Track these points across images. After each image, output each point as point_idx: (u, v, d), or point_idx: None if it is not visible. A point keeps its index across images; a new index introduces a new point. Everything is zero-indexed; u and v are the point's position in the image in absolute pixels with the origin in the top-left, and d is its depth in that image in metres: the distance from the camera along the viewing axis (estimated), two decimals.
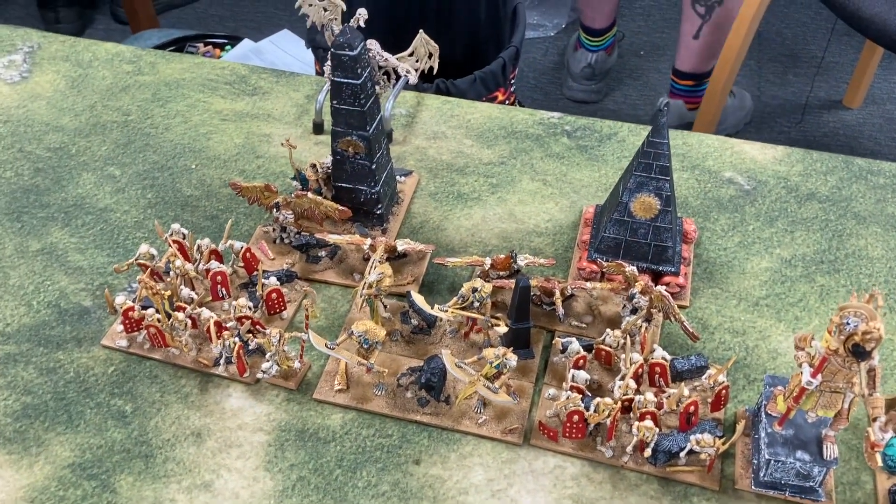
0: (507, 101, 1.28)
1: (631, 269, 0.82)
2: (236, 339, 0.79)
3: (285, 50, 1.75)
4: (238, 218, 0.96)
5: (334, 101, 0.84)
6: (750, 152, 1.03)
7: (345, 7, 0.83)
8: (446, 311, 0.79)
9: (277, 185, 0.90)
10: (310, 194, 0.88)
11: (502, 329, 0.79)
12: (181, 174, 1.01)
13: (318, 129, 1.04)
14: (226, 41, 1.81)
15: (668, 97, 2.26)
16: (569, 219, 0.96)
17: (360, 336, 0.76)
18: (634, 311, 0.83)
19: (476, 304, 0.80)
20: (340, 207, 0.89)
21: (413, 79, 0.82)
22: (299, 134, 1.06)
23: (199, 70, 1.15)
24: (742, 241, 0.93)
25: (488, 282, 0.83)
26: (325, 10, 0.82)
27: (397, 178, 0.98)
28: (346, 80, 0.82)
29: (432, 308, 0.79)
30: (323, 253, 0.90)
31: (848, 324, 0.58)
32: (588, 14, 2.30)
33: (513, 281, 0.83)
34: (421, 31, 0.85)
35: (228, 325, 0.81)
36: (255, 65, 1.15)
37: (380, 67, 0.85)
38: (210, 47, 1.80)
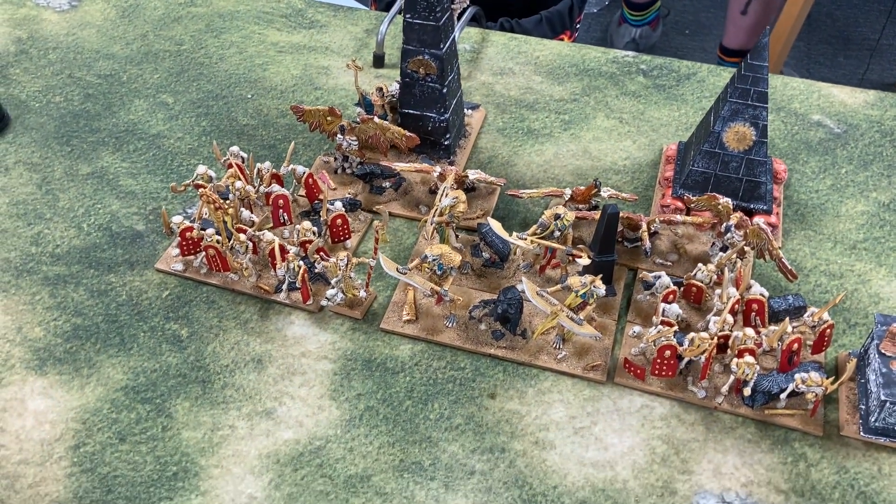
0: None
1: (725, 200, 0.76)
2: (301, 262, 0.74)
3: None
4: (297, 148, 0.91)
5: (407, 15, 0.79)
6: (839, 96, 0.96)
7: None
8: (525, 239, 0.74)
9: (341, 110, 0.85)
10: (376, 119, 0.83)
11: (584, 261, 0.74)
12: (237, 103, 0.96)
13: (378, 61, 0.99)
14: None
15: None
16: (648, 157, 0.90)
17: (434, 260, 0.70)
18: (724, 248, 0.77)
19: (557, 234, 0.74)
20: (408, 133, 0.83)
21: None
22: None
23: (254, 3, 1.10)
24: (835, 184, 0.87)
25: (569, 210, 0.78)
26: None
27: (465, 110, 0.93)
28: None
29: (510, 235, 0.74)
30: (387, 184, 0.85)
31: None
32: None
33: (596, 213, 0.78)
34: None
35: (291, 250, 0.76)
36: None
37: None
38: None
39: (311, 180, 0.82)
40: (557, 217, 0.73)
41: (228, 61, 1.02)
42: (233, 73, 1.00)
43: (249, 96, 0.97)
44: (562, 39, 1.18)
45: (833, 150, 0.90)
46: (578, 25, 1.20)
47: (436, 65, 0.81)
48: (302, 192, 0.83)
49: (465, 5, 0.84)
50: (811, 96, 0.96)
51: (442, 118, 0.85)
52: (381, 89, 0.86)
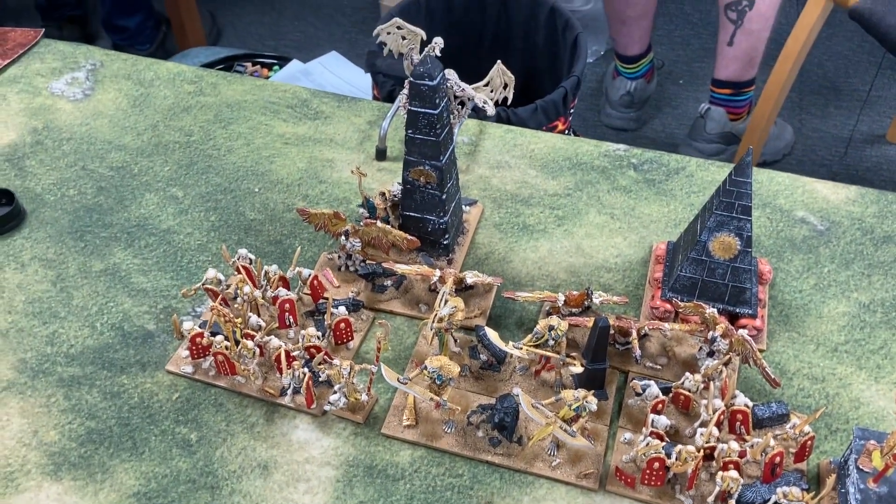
0: (566, 130, 1.27)
1: (711, 310, 0.79)
2: (305, 369, 0.77)
3: (333, 72, 1.75)
4: (302, 244, 0.95)
5: (409, 131, 0.83)
6: (822, 191, 1.00)
7: (425, 36, 0.82)
8: (521, 348, 0.77)
9: (345, 213, 0.89)
10: (378, 223, 0.87)
11: (577, 369, 0.77)
12: (244, 197, 1.00)
13: (381, 155, 1.03)
14: (274, 61, 1.82)
15: (708, 104, 2.23)
16: (638, 255, 0.94)
17: (433, 372, 0.74)
18: (711, 353, 0.81)
19: (551, 343, 0.78)
20: (409, 237, 0.87)
21: (490, 110, 0.81)
22: (362, 160, 1.05)
23: (261, 92, 1.15)
24: (818, 283, 0.91)
25: (562, 319, 0.81)
26: (404, 38, 0.81)
27: (463, 207, 0.97)
28: (423, 110, 0.81)
29: (506, 344, 0.77)
30: (388, 282, 0.89)
31: None
32: (621, 42, 2.29)
33: (589, 319, 0.81)
34: (499, 61, 0.84)
35: (295, 354, 0.80)
36: (315, 89, 1.15)
37: (455, 97, 0.84)
38: (258, 67, 1.81)
39: (315, 282, 0.86)
40: (551, 328, 0.77)
41: (236, 153, 1.06)
42: (240, 165, 1.04)
43: (257, 190, 1.01)
44: (555, 125, 1.22)
45: (816, 248, 0.94)
46: (572, 110, 1.24)
47: (435, 174, 0.85)
48: (307, 290, 0.86)
49: (466, 116, 0.88)
50: (796, 191, 1.01)
51: (441, 221, 0.89)
52: (383, 194, 0.90)
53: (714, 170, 1.03)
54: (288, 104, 1.13)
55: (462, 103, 0.87)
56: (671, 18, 2.81)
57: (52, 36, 2.83)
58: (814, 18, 1.88)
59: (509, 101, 0.87)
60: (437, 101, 0.80)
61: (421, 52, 0.82)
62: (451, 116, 0.86)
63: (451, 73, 0.82)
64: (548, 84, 1.28)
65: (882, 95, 2.55)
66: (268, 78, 1.77)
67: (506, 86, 0.85)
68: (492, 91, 0.85)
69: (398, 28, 0.81)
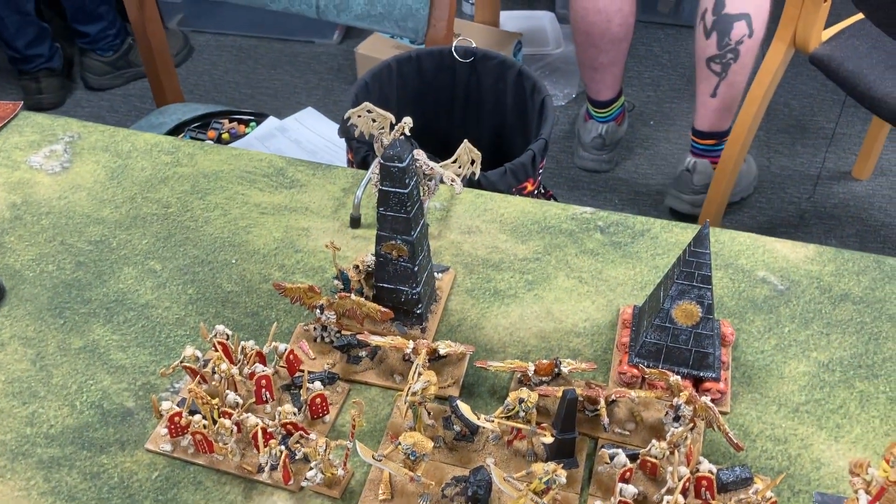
0: (535, 190, 1.30)
1: (675, 378, 0.82)
2: (282, 447, 0.79)
3: (310, 128, 1.78)
4: (278, 315, 0.97)
5: (381, 209, 0.86)
6: (781, 250, 1.04)
7: (394, 119, 0.85)
8: (493, 421, 0.79)
9: (320, 287, 0.91)
10: (352, 296, 0.89)
11: (547, 439, 0.80)
12: (221, 269, 1.02)
13: (355, 223, 1.06)
14: (251, 118, 1.85)
15: (692, 157, 2.27)
16: (606, 318, 0.97)
17: (407, 449, 0.76)
18: (677, 418, 0.83)
19: (522, 414, 0.80)
20: (383, 309, 0.90)
21: (458, 188, 0.84)
22: (336, 228, 1.08)
23: (237, 161, 1.17)
24: (779, 343, 0.94)
25: (531, 388, 0.84)
26: (374, 121, 0.85)
27: (435, 274, 0.99)
28: (394, 190, 0.84)
29: (478, 417, 0.80)
30: (363, 353, 0.91)
31: None
32: (593, 88, 2.35)
33: (558, 389, 0.84)
34: (465, 141, 0.87)
35: (272, 430, 0.81)
36: (291, 157, 1.18)
37: (424, 175, 0.87)
38: (235, 124, 1.84)
39: (291, 356, 0.88)
40: (521, 400, 0.79)
41: (213, 224, 1.08)
42: (217, 236, 1.07)
43: (233, 261, 1.03)
44: (524, 187, 1.26)
45: (777, 307, 0.98)
46: (541, 171, 1.28)
47: (407, 248, 0.88)
48: (283, 364, 0.88)
49: (435, 191, 0.91)
50: (756, 251, 1.04)
51: (414, 291, 0.91)
52: (357, 266, 0.93)
53: (678, 231, 1.07)
54: (264, 173, 1.16)
55: (431, 179, 0.90)
56: (641, 60, 2.89)
57: (30, 89, 2.85)
58: (776, 63, 1.95)
59: (476, 176, 0.90)
60: (407, 180, 0.84)
61: (391, 133, 0.85)
62: (422, 191, 0.89)
63: (419, 154, 0.85)
64: (518, 143, 1.32)
65: (847, 133, 2.63)
66: (244, 134, 1.80)
67: (473, 161, 0.89)
68: (460, 167, 0.89)
69: (368, 111, 0.84)
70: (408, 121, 0.86)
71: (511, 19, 2.91)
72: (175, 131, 1.83)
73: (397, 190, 0.84)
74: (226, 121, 1.87)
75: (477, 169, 0.89)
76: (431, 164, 0.85)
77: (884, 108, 1.83)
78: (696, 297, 0.85)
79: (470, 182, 1.26)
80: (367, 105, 0.85)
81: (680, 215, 2.29)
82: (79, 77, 2.86)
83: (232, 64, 2.98)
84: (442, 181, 0.85)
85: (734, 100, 2.08)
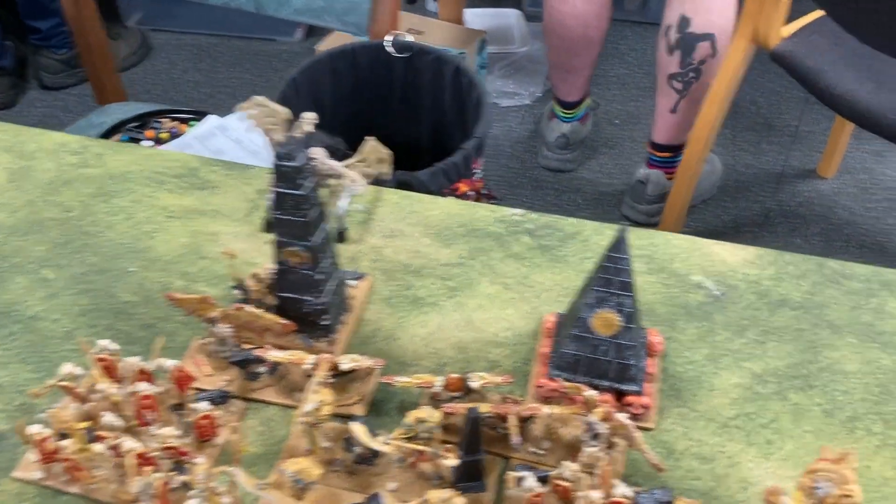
0: (471, 191, 1.24)
1: (590, 393, 0.76)
2: (159, 475, 0.72)
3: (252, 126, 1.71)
4: (176, 328, 0.90)
5: (277, 212, 0.79)
6: (720, 254, 0.98)
7: (290, 115, 0.79)
8: (389, 444, 0.73)
9: (215, 298, 0.85)
10: (247, 308, 0.83)
11: (451, 462, 0.73)
12: (119, 277, 0.95)
13: (270, 226, 0.99)
14: (191, 116, 1.78)
15: (647, 167, 2.25)
16: (529, 327, 0.91)
17: (292, 476, 0.69)
18: (595, 435, 0.77)
19: (424, 435, 0.74)
20: (283, 321, 0.83)
21: (360, 189, 0.78)
22: (248, 232, 1.01)
23: (148, 162, 1.10)
24: (711, 353, 0.88)
25: (438, 407, 0.78)
26: (268, 116, 0.78)
27: (349, 282, 0.93)
28: (288, 191, 0.77)
29: (373, 440, 0.73)
30: (263, 369, 0.84)
31: (819, 488, 0.53)
32: (562, 89, 2.31)
33: (464, 406, 0.77)
34: (370, 138, 0.81)
35: (154, 455, 0.74)
36: (210, 156, 1.11)
37: (326, 175, 0.81)
38: (176, 123, 1.77)
39: (179, 373, 0.81)
40: (421, 420, 0.73)
41: (116, 229, 1.01)
42: (119, 242, 1.00)
43: (133, 269, 0.96)
44: (457, 188, 1.20)
45: (711, 314, 0.92)
46: (479, 171, 1.22)
47: (308, 255, 0.81)
48: (171, 384, 0.81)
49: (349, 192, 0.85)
50: (693, 255, 0.98)
51: (318, 302, 0.85)
52: (255, 275, 0.86)
53: (609, 234, 1.00)
54: (175, 174, 1.09)
55: (334, 178, 0.83)
56: (607, 58, 2.83)
57: None
58: (738, 60, 1.90)
59: (387, 177, 0.84)
60: (301, 181, 0.77)
61: (286, 129, 0.79)
62: (329, 192, 0.82)
63: (318, 152, 0.79)
64: (458, 142, 1.26)
65: (812, 130, 2.59)
66: (184, 133, 1.73)
67: (381, 160, 0.82)
68: (367, 166, 0.82)
69: (262, 106, 0.78)
70: (310, 116, 0.79)
71: (476, 17, 2.85)
72: (114, 131, 1.75)
73: (291, 192, 0.77)
74: (167, 120, 1.79)
75: (387, 168, 0.83)
76: (331, 163, 0.79)
77: (843, 105, 1.79)
78: (615, 305, 0.78)
79: (399, 183, 1.20)
80: (259, 99, 0.78)
81: (637, 224, 2.25)
82: (32, 76, 2.78)
83: (191, 63, 2.90)
84: (341, 180, 0.79)
85: (693, 114, 2.04)
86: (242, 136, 1.75)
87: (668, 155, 2.17)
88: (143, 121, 1.78)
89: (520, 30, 2.84)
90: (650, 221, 2.23)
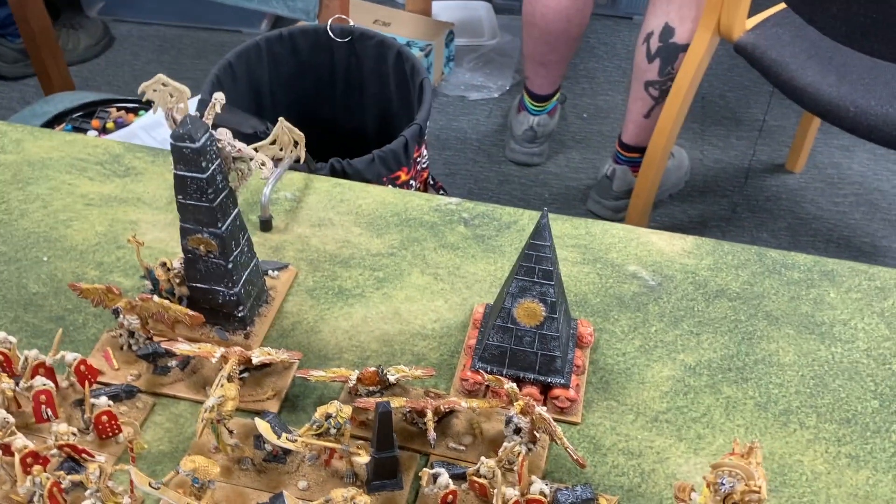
0: (415, 181, 1.20)
1: (510, 385, 0.73)
2: (47, 475, 0.68)
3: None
4: (87, 319, 0.86)
5: (179, 196, 0.75)
6: (657, 243, 0.95)
7: (189, 93, 0.74)
8: (296, 441, 0.69)
9: (129, 289, 0.80)
10: (155, 298, 0.78)
11: (363, 459, 0.70)
12: (30, 267, 0.91)
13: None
14: (140, 106, 1.73)
15: (613, 162, 2.23)
16: (458, 318, 0.87)
17: (188, 475, 0.65)
18: (518, 430, 0.74)
19: (333, 431, 0.70)
20: (191, 313, 0.79)
21: (267, 172, 0.74)
22: (169, 220, 0.97)
23: (70, 148, 1.06)
24: (643, 344, 0.85)
25: (351, 402, 0.74)
26: (171, 95, 0.74)
27: (269, 272, 0.89)
28: (190, 174, 0.73)
29: (279, 438, 0.69)
30: (173, 362, 0.80)
31: (723, 484, 0.49)
32: (536, 82, 2.27)
33: (375, 401, 0.74)
34: (282, 119, 0.77)
35: (51, 453, 0.70)
36: (132, 143, 1.06)
37: (234, 159, 0.76)
38: (122, 112, 1.72)
39: (82, 367, 0.77)
40: (329, 416, 0.69)
41: (30, 217, 0.97)
42: (32, 231, 0.95)
43: (45, 259, 0.92)
44: (398, 176, 1.16)
45: (645, 305, 0.89)
46: (419, 159, 1.18)
47: (216, 242, 0.77)
48: (74, 378, 0.77)
49: (290, 159, 0.80)
50: (630, 244, 0.95)
51: (231, 292, 0.81)
52: (164, 264, 0.82)
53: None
54: (98, 160, 1.04)
55: (243, 161, 0.79)
56: (576, 52, 2.80)
57: None
58: (701, 52, 1.87)
59: (302, 160, 0.80)
60: (204, 164, 0.73)
61: (199, 111, 0.75)
62: (234, 177, 0.78)
63: (223, 133, 0.75)
64: (405, 128, 1.22)
65: (781, 125, 2.58)
66: (131, 122, 1.68)
67: (296, 144, 0.78)
68: (280, 149, 0.78)
69: (164, 85, 0.74)
70: (219, 96, 0.75)
71: (445, 9, 2.81)
72: (58, 120, 1.70)
73: (194, 174, 0.73)
74: (113, 109, 1.74)
75: (301, 152, 0.79)
76: (239, 144, 0.75)
77: (806, 97, 1.77)
78: (537, 294, 0.75)
79: (332, 171, 1.16)
80: (162, 77, 0.74)
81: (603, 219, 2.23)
82: None
83: (154, 54, 2.84)
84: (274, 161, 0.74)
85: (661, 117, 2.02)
86: None
87: (637, 155, 2.15)
88: (89, 110, 1.73)
89: (489, 22, 2.80)
90: (616, 217, 2.20)
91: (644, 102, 2.07)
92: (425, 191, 1.32)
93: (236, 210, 0.79)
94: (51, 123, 1.68)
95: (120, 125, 1.69)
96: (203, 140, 0.72)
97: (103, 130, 1.67)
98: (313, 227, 0.97)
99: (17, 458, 0.67)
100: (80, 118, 1.70)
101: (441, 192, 1.48)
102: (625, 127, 2.16)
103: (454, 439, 0.76)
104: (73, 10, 2.85)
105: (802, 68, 1.80)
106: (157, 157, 1.05)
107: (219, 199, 0.75)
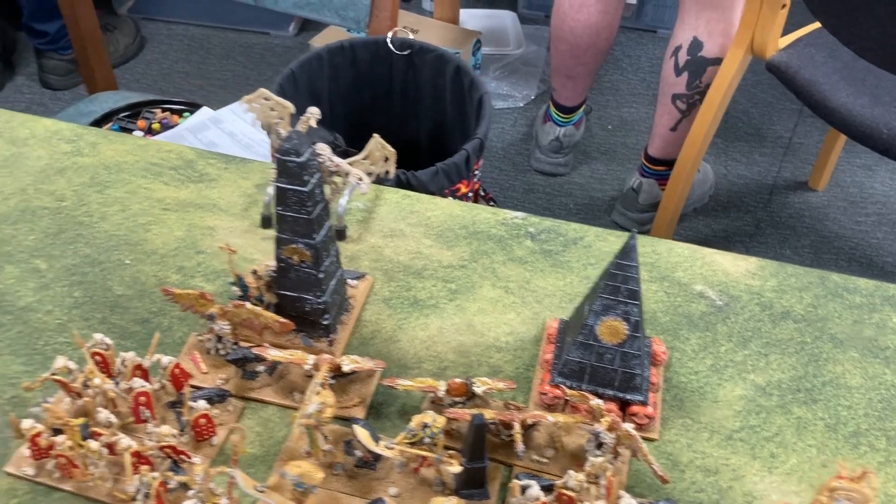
0: (470, 191, 1.23)
1: (597, 402, 0.75)
2: (156, 474, 0.70)
3: (246, 119, 1.69)
4: (172, 323, 0.88)
5: (279, 208, 0.78)
6: (722, 263, 0.98)
7: (294, 110, 0.77)
8: (393, 448, 0.71)
9: (213, 294, 0.82)
10: (248, 304, 0.81)
11: (455, 469, 0.72)
12: (114, 269, 0.93)
13: (266, 222, 0.97)
14: (184, 108, 1.75)
15: (639, 175, 2.25)
16: (531, 332, 0.90)
17: (293, 479, 0.68)
18: (600, 445, 0.76)
19: (427, 440, 0.72)
20: (282, 319, 0.81)
21: (365, 188, 0.76)
22: (246, 227, 0.99)
23: (144, 153, 1.08)
24: (714, 364, 0.87)
25: (440, 411, 0.76)
26: (273, 109, 0.76)
27: (349, 281, 0.91)
28: (292, 188, 0.76)
29: (377, 444, 0.71)
30: (261, 367, 0.82)
31: None
32: (563, 94, 2.30)
33: (469, 412, 0.76)
34: (376, 135, 0.79)
35: (150, 454, 0.72)
36: (203, 149, 1.09)
37: (331, 173, 0.79)
38: (167, 114, 1.74)
39: (177, 370, 0.79)
40: (426, 425, 0.71)
41: (110, 220, 0.99)
42: (113, 233, 0.97)
43: (128, 262, 0.94)
44: (458, 188, 1.18)
45: (714, 325, 0.91)
46: (478, 172, 1.21)
47: (310, 253, 0.80)
48: (169, 379, 0.79)
49: (351, 189, 0.83)
50: (695, 264, 0.98)
51: (319, 301, 0.83)
52: (255, 272, 0.84)
53: (613, 240, 1.00)
54: (171, 165, 1.06)
55: (339, 176, 0.82)
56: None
57: None
58: (734, 69, 1.90)
59: (391, 176, 0.82)
60: (306, 178, 0.75)
61: (293, 125, 0.77)
62: (329, 190, 0.80)
63: (322, 148, 0.77)
64: (458, 142, 1.25)
65: (804, 142, 2.61)
66: (176, 125, 1.70)
67: (386, 159, 0.81)
68: (372, 164, 0.81)
69: (265, 99, 0.76)
70: (314, 111, 0.78)
71: (472, 18, 2.84)
72: (104, 120, 1.72)
73: (296, 188, 0.75)
74: (158, 110, 1.76)
75: (391, 167, 0.81)
76: (337, 160, 0.77)
77: (837, 118, 1.80)
78: (621, 313, 0.78)
79: (398, 182, 1.18)
80: (264, 91, 0.76)
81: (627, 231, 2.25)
82: (37, 78, 2.71)
83: (182, 54, 2.86)
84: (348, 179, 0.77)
85: (689, 131, 2.04)
86: (236, 130, 1.73)
87: (663, 168, 2.18)
88: (135, 111, 1.75)
89: (515, 32, 2.83)
90: (641, 230, 2.23)
91: (671, 116, 2.10)
92: (475, 201, 1.34)
93: (328, 222, 0.81)
94: (97, 123, 1.70)
95: (165, 126, 1.71)
96: (307, 155, 0.74)
97: (149, 131, 1.69)
98: (385, 238, 0.99)
99: (127, 457, 0.70)
100: (125, 118, 1.72)
101: (491, 202, 1.51)
102: (651, 140, 2.19)
103: (537, 452, 0.78)
104: (104, 9, 2.87)
105: (835, 89, 1.83)
106: (229, 164, 1.07)
107: (316, 212, 0.78)
